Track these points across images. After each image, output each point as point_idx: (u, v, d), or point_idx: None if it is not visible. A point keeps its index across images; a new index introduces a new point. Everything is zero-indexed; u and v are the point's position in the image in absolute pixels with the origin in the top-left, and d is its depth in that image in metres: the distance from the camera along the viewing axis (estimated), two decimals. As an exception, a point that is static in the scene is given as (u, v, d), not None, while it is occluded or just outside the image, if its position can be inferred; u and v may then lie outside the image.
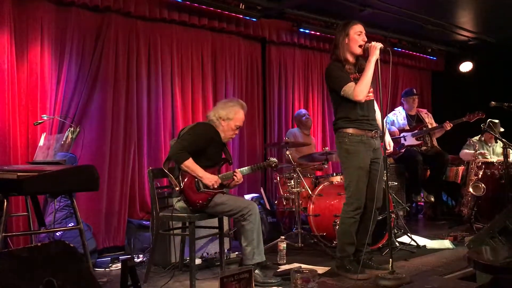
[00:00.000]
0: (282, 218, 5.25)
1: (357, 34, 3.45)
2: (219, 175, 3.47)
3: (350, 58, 3.51)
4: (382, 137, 3.47)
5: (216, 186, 3.39)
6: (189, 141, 3.37)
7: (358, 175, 3.44)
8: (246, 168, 3.66)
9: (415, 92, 6.13)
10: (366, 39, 3.46)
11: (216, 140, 3.51)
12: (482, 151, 5.92)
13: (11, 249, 3.00)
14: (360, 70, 3.46)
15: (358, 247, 3.54)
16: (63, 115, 4.32)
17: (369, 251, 3.69)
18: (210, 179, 3.37)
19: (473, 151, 5.63)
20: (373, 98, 3.57)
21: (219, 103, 3.65)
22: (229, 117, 3.50)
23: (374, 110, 3.61)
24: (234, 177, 3.54)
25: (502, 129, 5.80)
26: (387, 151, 3.55)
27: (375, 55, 3.35)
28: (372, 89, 3.50)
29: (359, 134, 3.47)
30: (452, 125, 5.74)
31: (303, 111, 5.88)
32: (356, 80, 3.41)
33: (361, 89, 3.34)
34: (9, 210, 3.32)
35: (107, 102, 4.61)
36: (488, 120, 5.76)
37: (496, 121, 5.76)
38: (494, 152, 6.11)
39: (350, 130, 3.47)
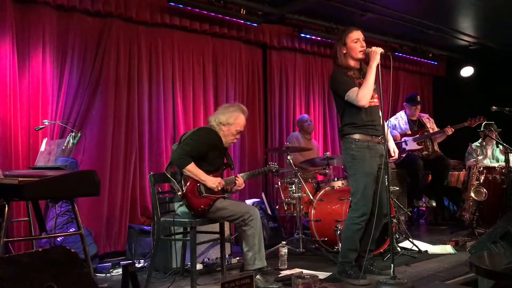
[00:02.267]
0: (283, 223, 5.24)
1: (353, 42, 3.45)
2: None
3: (352, 64, 3.51)
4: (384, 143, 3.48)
5: (220, 188, 3.39)
6: (191, 146, 3.37)
7: (365, 181, 3.42)
8: (247, 173, 3.66)
9: (418, 100, 6.10)
10: (364, 45, 3.46)
11: (218, 145, 3.50)
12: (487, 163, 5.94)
13: (12, 254, 3.00)
14: (365, 74, 3.46)
15: (361, 252, 3.53)
16: (65, 120, 4.33)
17: (371, 257, 3.68)
18: (213, 181, 3.36)
19: (475, 158, 5.63)
20: (377, 104, 3.57)
21: (219, 108, 3.65)
22: (229, 122, 3.50)
23: (379, 116, 3.60)
24: (236, 181, 3.54)
25: (499, 129, 5.80)
26: (392, 158, 3.54)
27: (375, 60, 3.35)
28: (376, 94, 3.51)
29: (366, 140, 3.45)
30: (453, 129, 5.73)
31: (306, 116, 5.89)
32: (361, 85, 3.42)
33: (364, 94, 3.34)
34: (10, 215, 3.32)
35: (109, 107, 4.62)
36: (483, 123, 5.76)
37: (491, 122, 5.77)
38: (494, 156, 6.11)
39: (356, 136, 3.46)
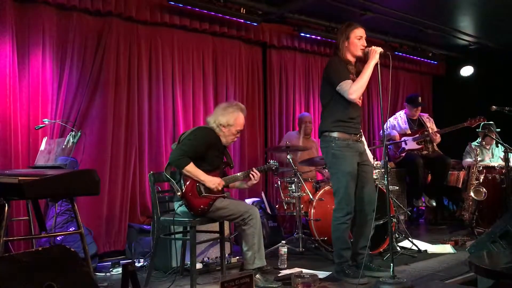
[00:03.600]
0: (283, 223, 5.24)
1: (357, 38, 3.48)
2: (222, 178, 3.47)
3: (351, 59, 3.54)
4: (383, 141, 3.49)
5: (220, 188, 3.39)
6: (188, 146, 3.36)
7: (347, 181, 3.44)
8: (245, 171, 3.65)
9: (420, 101, 6.06)
10: (365, 44, 3.49)
11: (217, 144, 3.50)
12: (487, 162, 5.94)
13: (12, 253, 3.00)
14: (358, 73, 3.48)
15: (358, 250, 3.54)
16: (64, 120, 4.33)
17: (369, 255, 3.68)
18: (213, 181, 3.36)
19: (473, 159, 5.63)
20: (360, 105, 3.59)
21: (218, 109, 3.61)
22: (230, 123, 3.49)
23: (360, 113, 3.62)
24: (252, 176, 3.53)
25: (498, 129, 5.81)
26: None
27: (374, 59, 3.37)
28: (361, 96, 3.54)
29: (345, 138, 3.47)
30: (439, 135, 5.77)
31: (307, 117, 5.82)
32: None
33: (357, 89, 3.36)
34: (10, 214, 3.32)
35: (108, 106, 4.61)
36: (482, 124, 5.76)
37: (491, 122, 5.77)
38: (493, 156, 6.11)
39: (335, 134, 3.47)
